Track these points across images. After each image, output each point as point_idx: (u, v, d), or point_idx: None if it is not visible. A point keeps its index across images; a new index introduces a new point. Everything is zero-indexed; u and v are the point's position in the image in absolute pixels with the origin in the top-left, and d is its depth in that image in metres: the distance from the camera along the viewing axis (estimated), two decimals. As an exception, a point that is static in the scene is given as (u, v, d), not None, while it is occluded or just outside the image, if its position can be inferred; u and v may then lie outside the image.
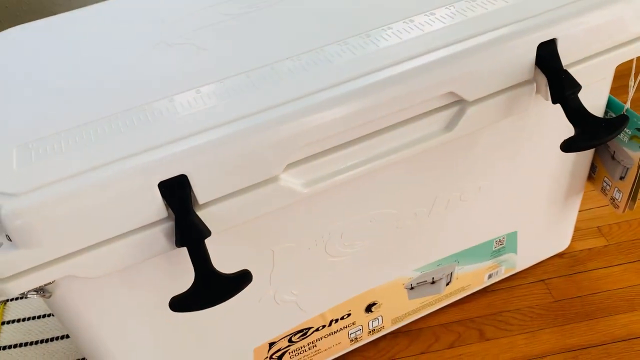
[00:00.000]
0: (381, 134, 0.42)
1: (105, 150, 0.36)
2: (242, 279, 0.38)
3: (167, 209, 0.37)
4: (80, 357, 0.65)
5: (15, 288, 0.35)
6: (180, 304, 0.37)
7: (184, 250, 0.41)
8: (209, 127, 0.37)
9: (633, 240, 0.67)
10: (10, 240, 0.34)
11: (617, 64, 0.47)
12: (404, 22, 0.44)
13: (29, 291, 0.37)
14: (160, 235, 0.38)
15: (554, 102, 0.43)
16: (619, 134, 0.42)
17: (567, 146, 0.42)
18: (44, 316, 0.70)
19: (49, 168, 0.36)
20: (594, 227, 0.69)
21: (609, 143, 0.57)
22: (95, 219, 0.35)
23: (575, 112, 0.43)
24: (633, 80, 0.51)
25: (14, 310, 0.71)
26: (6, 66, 0.48)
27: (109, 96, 0.41)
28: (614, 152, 0.56)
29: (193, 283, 0.37)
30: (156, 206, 0.36)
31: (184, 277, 0.42)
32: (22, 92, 0.44)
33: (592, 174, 0.61)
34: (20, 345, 0.67)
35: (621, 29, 0.45)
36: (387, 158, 0.43)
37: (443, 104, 0.43)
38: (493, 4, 0.45)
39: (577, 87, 0.43)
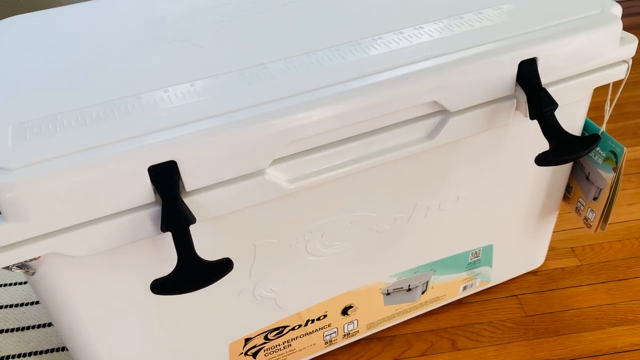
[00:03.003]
0: (366, 137, 0.44)
1: (99, 134, 0.38)
2: (224, 266, 0.39)
3: (155, 194, 0.38)
4: (56, 347, 0.65)
5: (1, 260, 0.36)
6: (161, 286, 0.38)
7: (169, 235, 0.42)
8: (201, 117, 0.39)
9: (604, 262, 0.69)
10: (0, 213, 0.35)
11: (594, 87, 0.49)
12: (393, 33, 0.46)
13: (13, 265, 0.38)
14: (147, 219, 0.39)
15: (531, 117, 0.45)
16: (591, 151, 0.44)
17: (541, 159, 0.44)
18: (20, 305, 0.70)
19: (43, 147, 0.37)
20: (568, 247, 0.71)
21: (584, 164, 0.59)
22: (85, 198, 0.36)
23: (550, 128, 0.45)
24: (609, 104, 0.54)
25: (-9, 298, 0.71)
26: (5, 51, 0.49)
27: (105, 84, 0.43)
28: (589, 173, 0.59)
29: (175, 267, 0.38)
30: (144, 190, 0.37)
31: (167, 263, 0.43)
32: (20, 76, 0.45)
33: (568, 194, 0.63)
34: (-5, 332, 0.67)
35: (599, 54, 0.47)
36: (370, 161, 0.44)
37: (426, 113, 0.45)
38: (479, 22, 0.47)
39: (554, 105, 0.45)
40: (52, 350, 0.64)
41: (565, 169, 0.59)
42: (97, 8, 0.56)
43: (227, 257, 0.39)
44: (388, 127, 0.44)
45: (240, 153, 0.39)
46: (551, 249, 0.70)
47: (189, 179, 0.38)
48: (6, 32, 0.53)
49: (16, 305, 0.70)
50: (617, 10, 0.48)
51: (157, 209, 0.39)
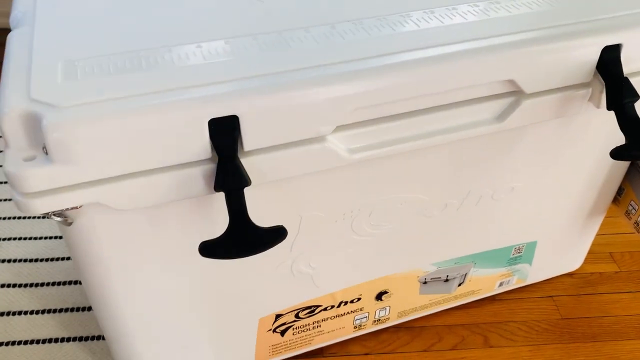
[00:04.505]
0: (434, 112, 0.41)
1: (157, 79, 0.35)
2: (277, 233, 0.36)
3: (212, 151, 0.35)
4: (71, 306, 0.62)
5: (42, 206, 0.33)
6: (211, 249, 0.35)
7: (219, 196, 0.39)
8: (268, 72, 0.36)
9: (644, 270, 0.66)
10: (47, 154, 0.32)
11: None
12: (469, 5, 0.43)
13: (53, 212, 0.35)
14: (199, 176, 0.36)
15: (609, 108, 0.42)
16: (671, 149, 0.42)
17: (618, 153, 0.42)
18: (35, 260, 0.67)
19: (96, 86, 0.34)
20: (606, 252, 0.68)
21: (641, 166, 0.56)
22: (138, 147, 0.33)
23: (629, 120, 0.42)
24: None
25: (4, 250, 0.69)
26: None
27: (164, 29, 0.40)
28: (646, 176, 0.56)
29: (226, 230, 0.35)
30: (202, 144, 0.35)
31: (213, 226, 0.41)
32: (77, 11, 0.42)
33: (618, 197, 0.60)
34: (8, 285, 0.65)
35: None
36: (434, 138, 0.41)
37: (499, 92, 0.42)
38: (562, 2, 0.44)
39: (636, 96, 0.42)
40: (67, 310, 0.62)
41: (622, 168, 0.56)
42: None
43: (280, 225, 0.37)
44: (457, 104, 0.41)
45: (304, 114, 0.36)
46: (589, 252, 0.68)
47: (249, 137, 0.35)
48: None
49: (30, 260, 0.68)
50: None
51: (211, 167, 0.36)
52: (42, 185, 0.33)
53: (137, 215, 0.38)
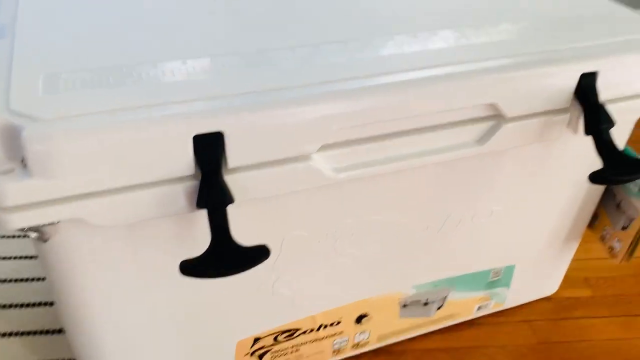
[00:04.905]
0: (417, 133, 0.41)
1: (141, 93, 0.34)
2: (261, 252, 0.35)
3: (195, 167, 0.35)
4: (39, 329, 0.60)
5: (19, 220, 0.32)
6: (192, 268, 0.34)
7: (199, 216, 0.39)
8: (253, 90, 0.36)
9: (619, 294, 0.67)
10: (25, 167, 0.32)
11: (647, 111, 0.48)
12: (454, 31, 0.44)
13: (29, 227, 0.34)
14: (181, 193, 0.35)
15: (587, 133, 0.43)
16: (646, 174, 0.43)
17: (596, 177, 0.42)
18: (3, 281, 0.65)
19: (78, 99, 0.33)
20: (581, 277, 0.69)
21: (615, 192, 0.58)
22: (121, 161, 0.33)
23: (606, 145, 0.43)
24: (653, 131, 0.52)
25: (-28, 271, 0.66)
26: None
27: (149, 45, 0.40)
28: (620, 201, 0.57)
29: (208, 249, 0.35)
30: (185, 160, 0.34)
31: (192, 245, 0.40)
32: (60, 24, 0.41)
33: (593, 222, 0.61)
34: (-26, 307, 0.62)
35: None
36: (417, 159, 0.42)
37: (481, 115, 0.43)
38: (541, 29, 0.45)
39: (612, 122, 0.43)
40: (36, 333, 0.59)
41: (597, 193, 0.57)
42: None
43: (263, 244, 0.36)
44: (440, 126, 0.42)
45: (290, 132, 0.36)
46: (565, 277, 0.68)
47: (234, 153, 0.35)
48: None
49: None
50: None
51: (193, 184, 0.35)
52: (19, 199, 0.32)
53: (116, 232, 0.37)
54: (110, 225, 0.35)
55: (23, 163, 0.32)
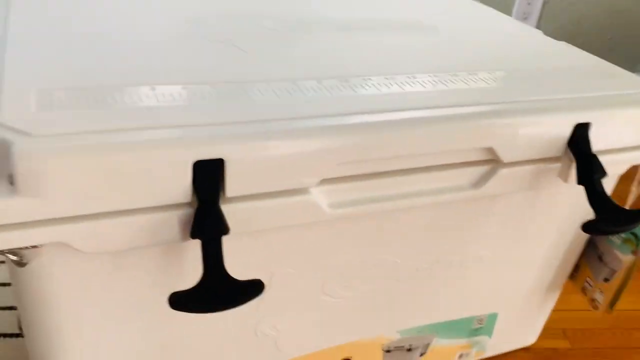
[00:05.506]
0: (415, 173, 0.41)
1: (140, 115, 0.33)
2: (254, 287, 0.34)
3: (192, 195, 0.33)
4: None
5: (1, 240, 0.30)
6: (183, 301, 0.32)
7: (189, 247, 0.37)
8: (259, 119, 0.35)
9: (596, 348, 0.67)
10: (12, 184, 0.30)
11: (633, 164, 0.49)
12: (468, 73, 0.45)
13: (9, 249, 0.32)
14: (176, 221, 0.34)
15: (579, 182, 0.44)
16: (637, 226, 0.43)
17: (589, 228, 0.43)
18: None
19: (72, 118, 0.32)
20: (560, 328, 0.69)
21: (598, 244, 0.58)
22: (115, 185, 0.31)
23: (599, 196, 0.43)
24: (636, 184, 0.53)
25: None
26: (47, 11, 0.44)
27: (152, 65, 0.39)
28: (602, 253, 0.57)
29: (200, 281, 0.33)
30: (183, 187, 0.33)
31: (180, 278, 0.38)
32: (47, 41, 0.40)
33: (574, 273, 0.61)
34: None
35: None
36: (414, 199, 0.41)
37: (477, 159, 0.43)
38: (539, 78, 0.46)
39: (604, 173, 0.43)
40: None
41: (580, 244, 0.58)
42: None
43: (257, 278, 0.35)
44: (437, 167, 0.42)
45: (293, 163, 0.35)
46: (544, 328, 0.68)
47: (233, 182, 0.34)
48: None
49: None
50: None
51: (188, 212, 0.34)
52: (3, 218, 0.30)
53: (101, 260, 0.35)
54: (97, 252, 0.33)
55: (10, 180, 0.30)
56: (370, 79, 0.42)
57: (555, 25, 1.22)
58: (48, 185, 0.30)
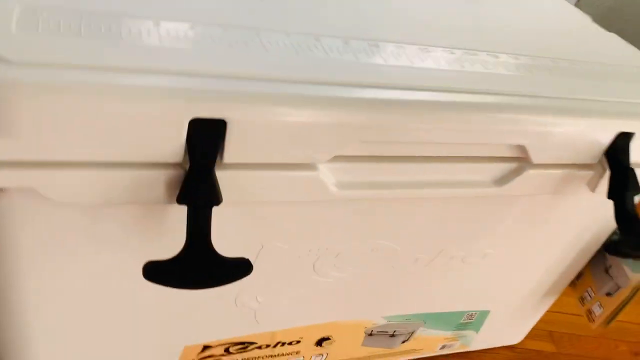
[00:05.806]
0: (435, 162, 0.37)
1: (140, 55, 0.28)
2: (241, 268, 0.30)
3: (185, 156, 0.29)
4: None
5: (-43, 179, 0.26)
6: (157, 272, 0.29)
7: (179, 210, 0.33)
8: (272, 77, 0.30)
9: (580, 355, 0.65)
10: (-21, 116, 0.25)
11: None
12: (492, 55, 0.40)
13: (-31, 189, 0.28)
14: (162, 181, 0.30)
15: (609, 196, 0.40)
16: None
17: (611, 248, 0.39)
18: None
19: (59, 46, 0.27)
20: (546, 330, 0.67)
21: (607, 255, 0.55)
22: (99, 132, 0.27)
23: (627, 214, 0.39)
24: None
25: None
26: None
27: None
28: (610, 266, 0.54)
29: (181, 253, 0.29)
30: (175, 146, 0.28)
31: (160, 245, 0.34)
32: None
33: (576, 280, 0.58)
34: None
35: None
36: (430, 190, 0.37)
37: (505, 156, 0.38)
38: (586, 71, 0.41)
39: (638, 190, 0.40)
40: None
41: (588, 254, 0.54)
42: None
43: (244, 257, 0.31)
44: (458, 159, 0.38)
45: (303, 135, 0.31)
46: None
47: (233, 147, 0.30)
48: None
49: None
50: None
51: (178, 174, 0.30)
52: (-37, 154, 0.25)
53: (72, 212, 0.31)
54: (69, 202, 0.29)
55: (-23, 111, 0.26)
56: (403, 47, 0.37)
57: (593, 10, 1.15)
58: (23, 122, 0.25)
